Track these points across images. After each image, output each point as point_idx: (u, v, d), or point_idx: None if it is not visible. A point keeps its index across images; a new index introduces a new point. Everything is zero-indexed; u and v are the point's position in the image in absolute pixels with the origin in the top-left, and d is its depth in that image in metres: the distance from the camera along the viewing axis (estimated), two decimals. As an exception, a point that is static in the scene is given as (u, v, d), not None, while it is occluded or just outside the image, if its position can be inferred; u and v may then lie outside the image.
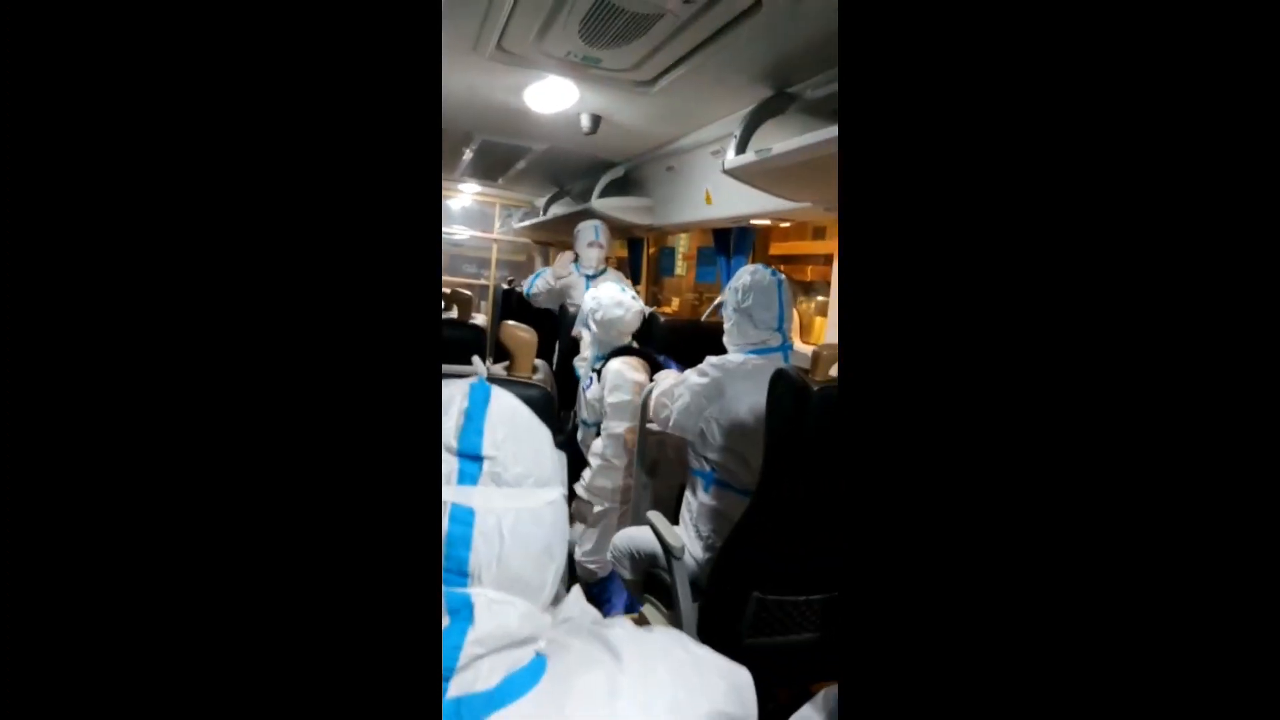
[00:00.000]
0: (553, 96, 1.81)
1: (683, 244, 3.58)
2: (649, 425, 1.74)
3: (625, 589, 1.81)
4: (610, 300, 2.08)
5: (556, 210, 3.28)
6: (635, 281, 3.49)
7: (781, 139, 1.40)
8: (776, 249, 2.88)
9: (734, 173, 1.55)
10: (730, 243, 2.55)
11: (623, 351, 2.04)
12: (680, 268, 3.71)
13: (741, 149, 1.52)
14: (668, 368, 1.95)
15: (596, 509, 2.02)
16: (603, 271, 2.73)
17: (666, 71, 1.53)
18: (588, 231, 2.70)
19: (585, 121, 1.98)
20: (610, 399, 1.96)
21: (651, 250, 3.61)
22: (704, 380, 1.44)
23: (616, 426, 1.96)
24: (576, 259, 2.72)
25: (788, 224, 2.33)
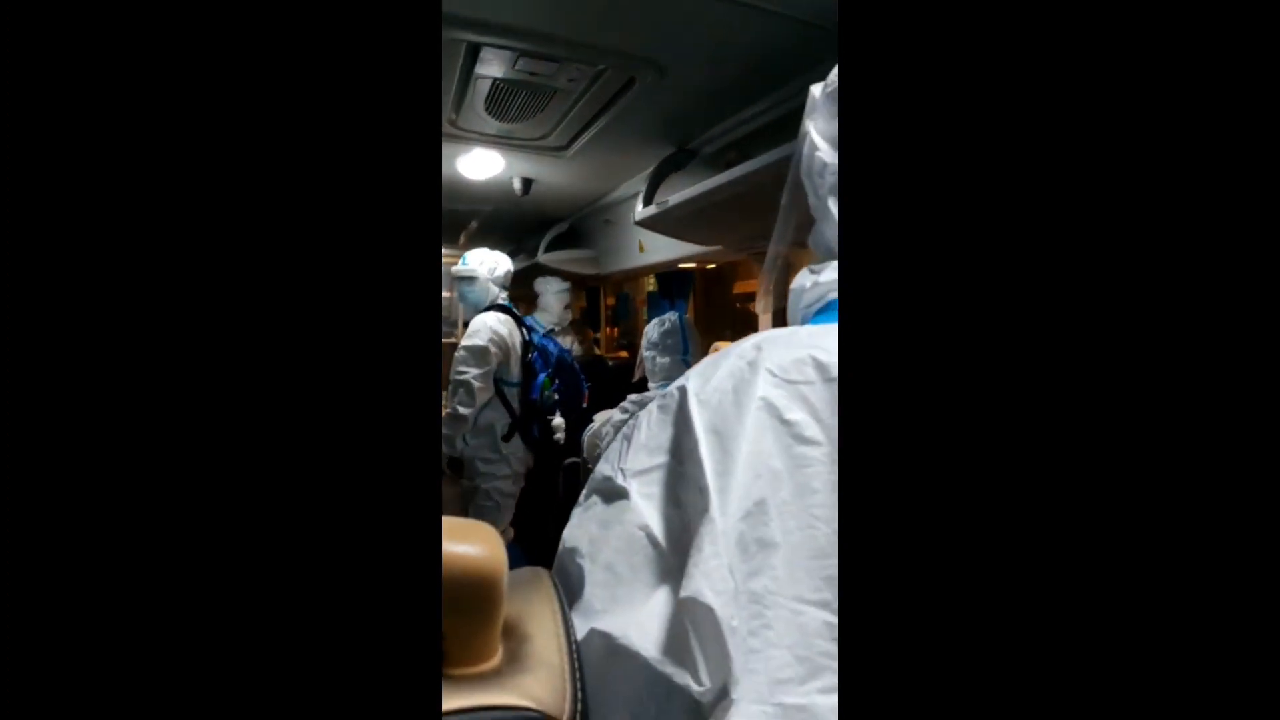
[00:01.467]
0: (482, 165, 1.95)
1: (652, 284, 3.72)
2: (590, 466, 1.83)
3: None
4: (476, 258, 2.22)
5: (515, 266, 3.42)
6: (595, 329, 3.62)
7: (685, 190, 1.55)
8: (741, 288, 3.03)
9: (643, 224, 1.69)
10: (672, 287, 2.70)
11: (492, 309, 2.14)
12: (644, 314, 3.85)
13: (648, 202, 1.66)
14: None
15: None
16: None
17: (576, 137, 1.68)
18: (553, 286, 2.87)
19: (517, 185, 2.13)
20: (465, 342, 1.98)
21: (609, 299, 3.75)
22: (624, 417, 1.54)
23: (464, 371, 1.95)
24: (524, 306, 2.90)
25: (712, 265, 2.46)
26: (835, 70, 0.48)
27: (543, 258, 2.80)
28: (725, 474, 0.35)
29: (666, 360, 1.67)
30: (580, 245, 2.86)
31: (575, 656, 0.28)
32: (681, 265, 2.36)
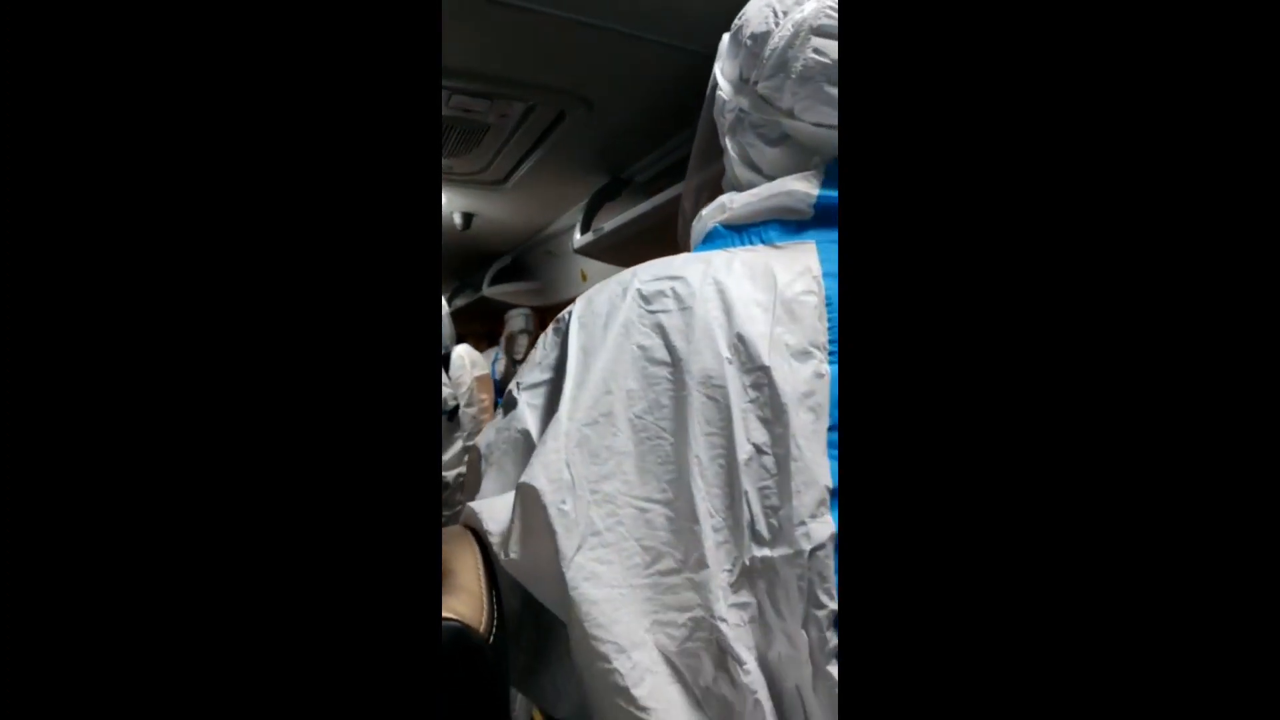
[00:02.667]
0: (422, 201, 1.99)
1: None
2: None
3: None
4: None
5: (459, 302, 3.44)
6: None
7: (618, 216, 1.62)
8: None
9: (582, 251, 1.75)
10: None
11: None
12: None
13: (585, 229, 1.73)
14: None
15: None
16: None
17: (513, 171, 1.74)
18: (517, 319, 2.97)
19: (458, 220, 2.17)
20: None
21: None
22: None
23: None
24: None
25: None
26: (740, 13, 0.54)
27: (488, 291, 2.83)
28: (580, 385, 0.40)
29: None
30: (523, 278, 2.91)
31: (493, 586, 0.33)
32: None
